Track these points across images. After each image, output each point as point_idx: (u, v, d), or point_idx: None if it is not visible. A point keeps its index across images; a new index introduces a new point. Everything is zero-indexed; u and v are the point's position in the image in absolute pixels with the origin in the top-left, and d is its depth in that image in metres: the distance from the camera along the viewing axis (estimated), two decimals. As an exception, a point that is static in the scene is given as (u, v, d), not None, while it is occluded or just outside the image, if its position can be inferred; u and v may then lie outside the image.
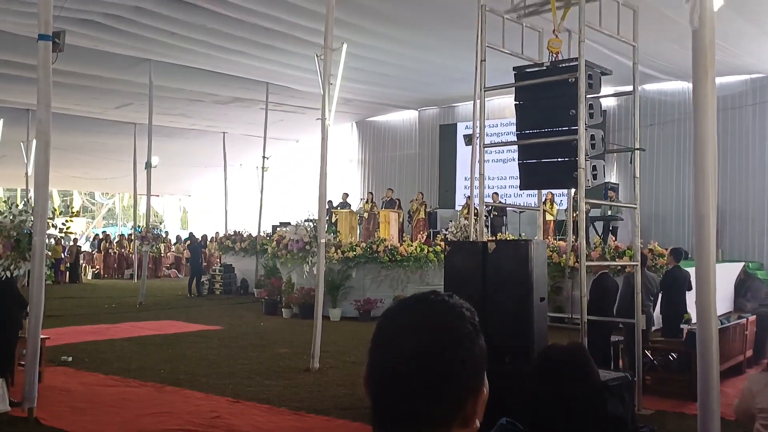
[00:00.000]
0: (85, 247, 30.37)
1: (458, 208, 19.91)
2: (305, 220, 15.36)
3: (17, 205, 8.44)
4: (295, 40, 15.12)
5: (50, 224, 7.61)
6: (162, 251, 28.28)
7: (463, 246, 8.63)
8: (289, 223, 16.68)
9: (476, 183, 8.43)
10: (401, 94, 21.62)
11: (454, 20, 13.49)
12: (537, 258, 6.74)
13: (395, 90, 20.99)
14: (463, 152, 21.11)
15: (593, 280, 8.74)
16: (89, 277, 27.34)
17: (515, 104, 7.94)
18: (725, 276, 15.36)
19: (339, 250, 14.52)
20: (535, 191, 9.34)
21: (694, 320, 8.22)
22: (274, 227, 19.89)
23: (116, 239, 30.14)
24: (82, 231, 33.33)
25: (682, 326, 9.46)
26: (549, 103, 7.56)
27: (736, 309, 15.15)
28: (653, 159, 18.06)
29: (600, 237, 15.49)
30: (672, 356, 8.65)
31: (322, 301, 9.80)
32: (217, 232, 25.44)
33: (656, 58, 14.69)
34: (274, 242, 15.81)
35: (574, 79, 7.14)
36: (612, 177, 18.53)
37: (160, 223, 31.96)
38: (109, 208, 42.77)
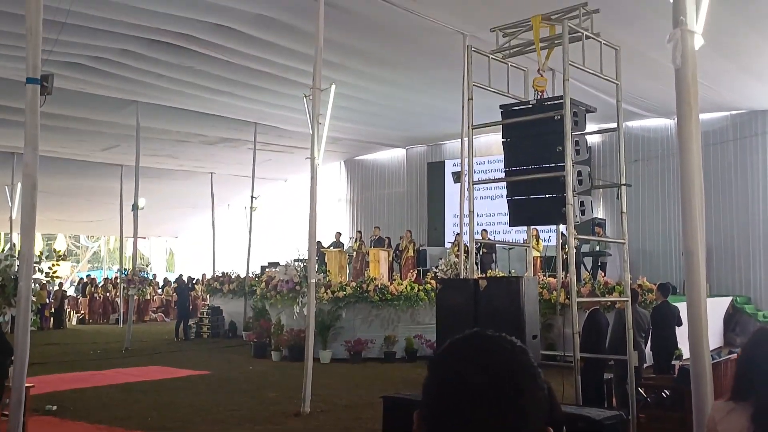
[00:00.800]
0: (70, 291, 29.97)
1: (447, 245, 19.91)
2: (295, 260, 15.29)
3: (2, 250, 8.33)
4: (284, 80, 15.28)
5: (36, 269, 7.51)
6: (148, 294, 27.96)
7: (453, 283, 8.61)
8: (278, 263, 16.57)
9: (465, 220, 8.47)
10: (389, 132, 21.81)
11: (440, 61, 13.71)
12: (528, 295, 6.73)
13: (383, 129, 21.18)
14: (451, 190, 21.22)
15: (585, 317, 8.71)
16: (74, 322, 26.90)
17: (503, 141, 8.02)
18: (714, 311, 15.42)
19: (329, 290, 14.41)
20: (524, 227, 9.38)
21: (685, 356, 8.19)
22: (263, 268, 19.75)
23: (101, 283, 29.76)
24: (66, 275, 32.93)
25: (673, 362, 9.42)
26: (536, 140, 7.65)
27: (726, 343, 15.18)
28: (638, 194, 18.22)
29: (589, 273, 15.53)
30: (665, 393, 8.57)
31: (312, 342, 9.68)
32: (203, 274, 25.23)
33: (639, 96, 14.97)
34: (263, 283, 15.68)
35: (559, 117, 7.24)
36: (599, 213, 18.66)
37: (147, 266, 31.64)
38: (94, 251, 42.39)
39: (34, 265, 7.13)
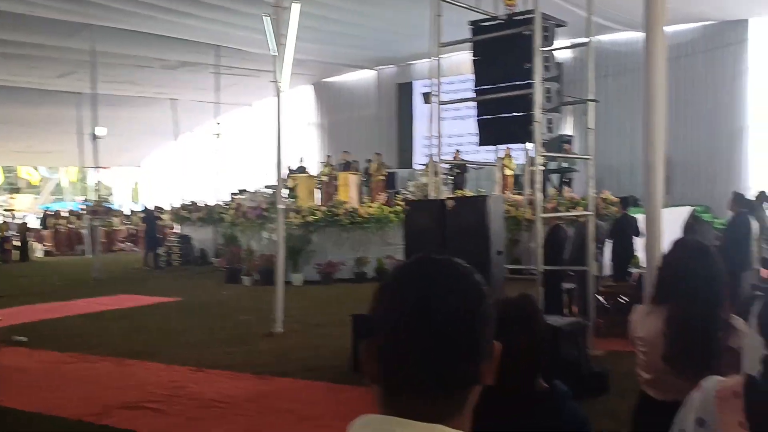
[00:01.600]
0: (33, 224, 29.46)
1: (416, 167, 19.89)
2: (265, 187, 15.15)
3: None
4: (244, -1, 14.67)
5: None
6: (114, 225, 27.64)
7: (421, 205, 8.63)
8: (246, 190, 16.43)
9: (435, 141, 8.40)
10: (358, 53, 21.27)
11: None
12: (494, 213, 6.81)
13: (351, 49, 20.62)
14: (421, 111, 21.03)
15: (547, 232, 8.87)
16: (40, 254, 26.59)
17: (473, 60, 7.86)
18: (674, 220, 15.73)
19: (299, 215, 14.38)
20: (495, 146, 9.37)
21: (642, 263, 8.44)
22: (233, 195, 19.57)
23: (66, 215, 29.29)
24: (28, 208, 32.30)
25: (630, 269, 9.71)
26: (505, 58, 7.52)
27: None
28: (607, 110, 18.15)
29: (556, 189, 15.69)
30: (622, 299, 8.90)
31: (283, 266, 9.71)
32: (171, 203, 24.93)
33: (611, 8, 14.70)
34: (233, 210, 15.57)
35: (529, 32, 7.10)
36: (567, 129, 18.68)
37: (110, 196, 31.15)
38: (56, 183, 41.50)
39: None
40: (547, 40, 7.18)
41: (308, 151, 22.81)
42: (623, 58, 17.88)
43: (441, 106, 8.40)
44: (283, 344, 8.61)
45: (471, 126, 8.29)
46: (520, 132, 7.55)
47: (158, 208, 24.03)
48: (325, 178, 18.20)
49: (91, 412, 6.01)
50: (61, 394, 6.70)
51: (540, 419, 1.83)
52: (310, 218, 14.34)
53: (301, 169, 19.43)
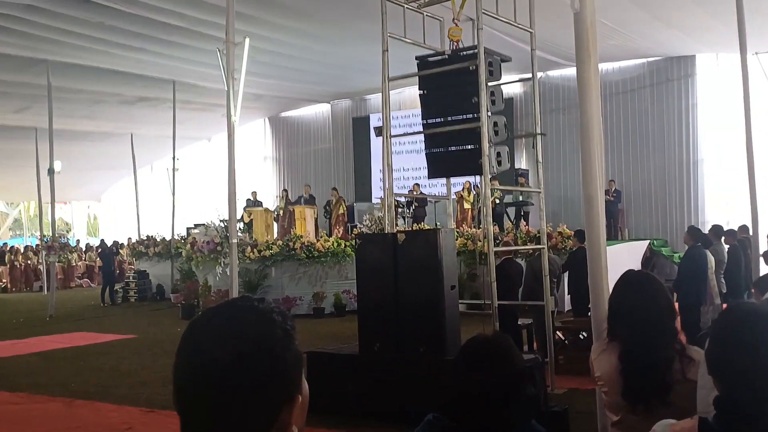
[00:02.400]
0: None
1: (375, 201, 19.91)
2: (220, 221, 15.00)
3: None
4: (198, 35, 14.70)
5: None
6: (72, 260, 27.07)
7: (373, 239, 8.62)
8: (203, 225, 16.26)
9: (387, 174, 8.43)
10: (312, 88, 21.40)
11: (357, 11, 13.43)
12: (446, 246, 6.79)
13: (306, 84, 20.76)
14: (376, 144, 21.14)
15: (497, 265, 8.91)
16: (-6, 291, 25.87)
17: (419, 93, 7.96)
18: (632, 254, 15.98)
19: (255, 249, 14.25)
20: (452, 180, 9.44)
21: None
22: (189, 229, 19.35)
23: (22, 251, 28.63)
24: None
25: (590, 305, 9.73)
26: (452, 92, 7.62)
27: (644, 285, 15.85)
28: (560, 143, 18.55)
29: (512, 222, 15.84)
30: (582, 335, 8.89)
31: (236, 302, 9.55)
32: (129, 238, 24.55)
33: (556, 44, 15.08)
34: (188, 245, 15.37)
35: (474, 67, 7.21)
36: (522, 163, 18.98)
37: (68, 232, 30.55)
38: (15, 218, 40.61)
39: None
40: (493, 74, 7.30)
41: (265, 184, 22.69)
42: (572, 92, 18.17)
43: (397, 139, 8.47)
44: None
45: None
46: (470, 165, 7.61)
47: (116, 243, 23.63)
48: (281, 212, 18.12)
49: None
50: (2, 439, 6.48)
51: None
52: (267, 252, 14.21)
53: (255, 203, 19.33)
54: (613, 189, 16.72)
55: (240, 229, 15.75)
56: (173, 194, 19.90)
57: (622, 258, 12.79)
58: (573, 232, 10.93)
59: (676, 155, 17.85)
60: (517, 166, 17.63)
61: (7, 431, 6.71)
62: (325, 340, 10.73)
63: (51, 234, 19.02)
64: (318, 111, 24.47)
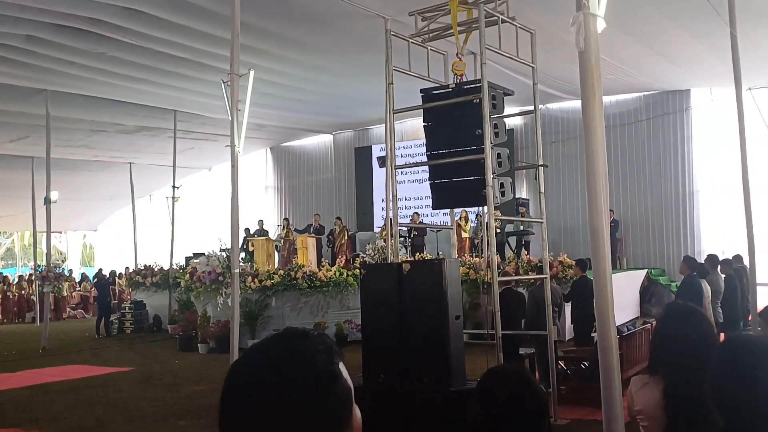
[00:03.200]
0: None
1: (377, 230, 19.97)
2: (220, 250, 14.99)
3: None
4: (202, 66, 14.84)
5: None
6: (66, 291, 26.84)
7: (378, 268, 8.63)
8: (203, 254, 16.23)
9: (391, 204, 8.49)
10: (315, 118, 21.58)
11: (363, 45, 13.62)
12: (451, 276, 6.80)
13: (308, 115, 20.93)
14: (378, 174, 21.26)
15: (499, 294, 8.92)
16: (-13, 322, 25.58)
17: (424, 125, 8.06)
18: (631, 283, 16.08)
19: (256, 279, 14.21)
20: (452, 210, 9.51)
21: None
22: (188, 259, 19.29)
23: (15, 281, 28.38)
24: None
25: (593, 334, 9.74)
26: (456, 124, 7.72)
27: (642, 314, 15.88)
28: (559, 174, 18.74)
29: (514, 252, 15.89)
30: (584, 365, 8.88)
31: (237, 332, 9.50)
32: (127, 267, 24.44)
33: (556, 78, 15.32)
34: (188, 275, 15.31)
35: (478, 100, 7.32)
36: (522, 193, 19.13)
37: (63, 262, 30.39)
38: (7, 247, 40.39)
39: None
40: (496, 107, 7.41)
41: (266, 214, 22.72)
42: (571, 124, 18.57)
43: (399, 169, 8.55)
44: (238, 416, 8.36)
45: (427, 189, 8.45)
46: (474, 195, 7.68)
47: (113, 273, 23.49)
48: (282, 242, 18.13)
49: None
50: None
51: None
52: (268, 282, 14.17)
53: (262, 233, 19.35)
54: (611, 219, 16.84)
55: (242, 258, 15.73)
56: (172, 224, 19.87)
57: (622, 287, 12.85)
58: (574, 262, 10.97)
59: (672, 186, 18.06)
60: (517, 195, 17.77)
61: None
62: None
63: (46, 264, 18.92)
64: (320, 141, 24.65)
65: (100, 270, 23.32)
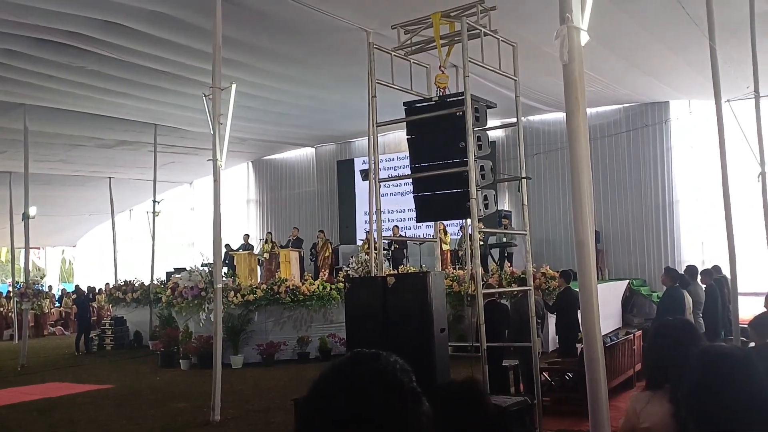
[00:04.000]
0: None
1: (359, 243, 19.94)
2: (202, 265, 14.85)
3: None
4: (183, 79, 14.77)
5: None
6: (46, 308, 26.43)
7: (362, 282, 8.59)
8: (184, 269, 16.07)
9: (375, 217, 8.47)
10: (297, 131, 21.55)
11: (345, 58, 13.66)
12: (435, 289, 6.79)
13: (290, 128, 20.90)
14: (361, 187, 21.25)
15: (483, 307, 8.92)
16: (-36, 340, 25.09)
17: (407, 138, 8.06)
18: (613, 294, 16.18)
19: (238, 294, 14.09)
20: (434, 222, 9.50)
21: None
22: (169, 274, 19.09)
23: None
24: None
25: (577, 345, 9.76)
26: (439, 137, 7.72)
27: (625, 324, 15.98)
28: (542, 186, 18.86)
29: (497, 264, 15.92)
30: (568, 376, 8.89)
31: (220, 348, 9.41)
32: (107, 283, 24.14)
33: (538, 91, 15.46)
34: (169, 290, 15.15)
35: (461, 113, 7.33)
36: (505, 205, 19.22)
37: (42, 278, 29.97)
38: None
39: None
40: (479, 120, 7.42)
41: (249, 228, 22.59)
42: (553, 136, 18.74)
43: (382, 182, 8.54)
44: (221, 433, 8.26)
45: (410, 202, 8.46)
46: (457, 208, 7.68)
47: (91, 290, 23.19)
48: (266, 256, 18.02)
49: None
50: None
51: None
52: (251, 297, 14.06)
53: (247, 247, 19.24)
54: (592, 230, 16.97)
55: (224, 273, 15.59)
56: (153, 239, 19.69)
57: (604, 297, 12.91)
58: (558, 273, 11.01)
59: (652, 197, 18.25)
60: (500, 208, 17.84)
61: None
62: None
63: (24, 280, 18.62)
64: (302, 154, 24.62)
65: (78, 286, 22.98)
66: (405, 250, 17.77)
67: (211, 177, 9.82)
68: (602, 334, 8.60)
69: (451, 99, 7.69)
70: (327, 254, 18.02)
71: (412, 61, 8.43)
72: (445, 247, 16.65)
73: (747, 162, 10.52)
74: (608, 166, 18.63)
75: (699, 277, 10.77)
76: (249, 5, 11.23)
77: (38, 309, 24.48)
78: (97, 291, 24.11)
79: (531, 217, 8.45)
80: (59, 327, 27.02)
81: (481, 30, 7.58)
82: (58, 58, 13.61)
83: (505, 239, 16.38)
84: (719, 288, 10.90)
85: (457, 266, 15.77)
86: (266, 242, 19.10)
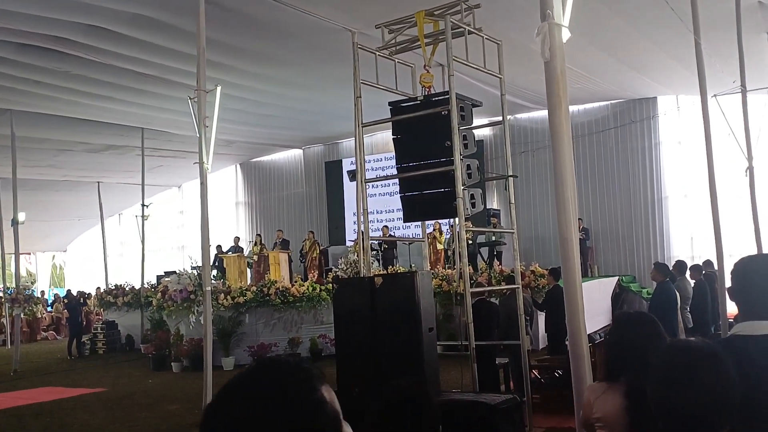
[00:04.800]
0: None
1: (349, 244, 19.93)
2: (192, 268, 14.82)
3: None
4: (168, 83, 14.71)
5: None
6: (38, 313, 26.33)
7: (350, 282, 8.59)
8: (174, 272, 16.03)
9: (362, 218, 8.47)
10: (284, 133, 21.51)
11: (330, 58, 13.62)
12: (423, 289, 6.80)
13: (277, 129, 20.86)
14: (349, 188, 21.24)
15: (472, 305, 8.93)
16: (-46, 347, 24.93)
17: (393, 138, 8.06)
18: (602, 291, 16.15)
19: (228, 296, 14.06)
20: (424, 222, 9.51)
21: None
22: (159, 277, 19.04)
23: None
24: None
25: (566, 342, 9.76)
26: (425, 136, 7.74)
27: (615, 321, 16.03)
28: (529, 184, 18.88)
29: (486, 262, 15.94)
30: (557, 373, 8.91)
31: (211, 350, 9.36)
32: (98, 288, 24.06)
33: (524, 88, 15.47)
34: (159, 293, 15.11)
35: (446, 112, 7.34)
36: (493, 203, 19.24)
37: (33, 283, 29.84)
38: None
39: None
40: (465, 119, 7.44)
41: (238, 231, 22.55)
42: (540, 134, 18.74)
43: (369, 182, 8.55)
44: (212, 435, 8.23)
45: (398, 202, 8.47)
46: (444, 207, 7.70)
47: (82, 294, 23.11)
48: (255, 258, 17.99)
49: None
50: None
51: None
52: (240, 299, 14.03)
53: (237, 249, 19.20)
54: (581, 227, 17.00)
55: (213, 276, 15.56)
56: (143, 242, 19.63)
57: (594, 294, 12.93)
58: (548, 270, 11.04)
59: (641, 193, 18.26)
60: (489, 206, 17.85)
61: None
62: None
63: (15, 286, 18.56)
64: (290, 156, 24.58)
65: (69, 291, 22.91)
66: (395, 250, 17.77)
67: (199, 180, 9.78)
68: (591, 331, 8.65)
69: (436, 98, 7.71)
70: (315, 255, 18.00)
71: (396, 60, 8.44)
72: (440, 246, 16.67)
73: (735, 157, 10.56)
74: (596, 162, 18.66)
75: (688, 272, 10.82)
76: (232, 7, 11.19)
77: (30, 314, 24.37)
78: (86, 295, 24.00)
79: (519, 215, 8.50)
80: (51, 332, 26.93)
81: (465, 28, 7.59)
82: (43, 63, 13.53)
83: (493, 238, 16.40)
84: (709, 283, 10.92)
85: (448, 265, 15.80)
86: (255, 244, 19.08)
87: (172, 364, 14.33)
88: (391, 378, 6.46)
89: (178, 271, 15.30)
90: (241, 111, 17.00)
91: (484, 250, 16.83)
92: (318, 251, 18.52)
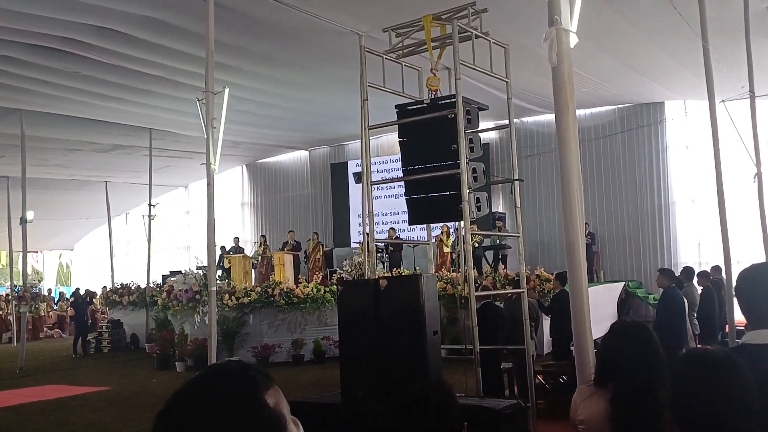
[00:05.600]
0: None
1: (354, 245, 19.93)
2: (197, 268, 14.87)
3: None
4: (177, 84, 14.79)
5: None
6: (43, 311, 26.49)
7: (355, 284, 8.60)
8: (180, 272, 16.09)
9: (368, 220, 8.48)
10: (290, 135, 21.57)
11: (337, 61, 13.66)
12: (428, 292, 6.78)
13: (284, 131, 20.92)
14: (355, 190, 21.24)
15: (477, 309, 8.92)
16: (-38, 344, 25.08)
17: (399, 141, 8.07)
18: (609, 295, 16.13)
19: (233, 297, 14.10)
20: (431, 225, 9.50)
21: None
22: (164, 277, 19.11)
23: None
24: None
25: (571, 347, 9.74)
26: (431, 139, 7.73)
27: (621, 327, 15.94)
28: (535, 188, 18.85)
29: (491, 266, 15.92)
30: (562, 378, 8.86)
31: (215, 350, 9.40)
32: (104, 287, 24.18)
33: (530, 92, 15.46)
34: (164, 293, 15.16)
35: (453, 115, 7.35)
36: (499, 207, 19.21)
37: (40, 281, 30.02)
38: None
39: None
40: (471, 122, 7.44)
41: (243, 231, 22.60)
42: (546, 137, 18.70)
43: (375, 185, 8.55)
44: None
45: (404, 204, 8.48)
46: (450, 211, 7.69)
47: (89, 292, 23.24)
48: (259, 258, 18.02)
49: None
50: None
51: None
52: (245, 300, 14.06)
53: (237, 250, 19.22)
54: (587, 232, 16.95)
55: (218, 276, 15.60)
56: (149, 242, 19.70)
57: (599, 300, 12.89)
58: (554, 275, 11.02)
59: (648, 198, 18.18)
60: (494, 210, 17.82)
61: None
62: (306, 388, 10.58)
63: (23, 284, 18.66)
64: (296, 157, 24.63)
65: (77, 289, 23.02)
66: (401, 253, 17.77)
67: (206, 181, 9.82)
68: (597, 336, 8.61)
69: (442, 101, 7.70)
70: (318, 256, 18.00)
71: (403, 63, 8.45)
72: (447, 249, 16.66)
73: (743, 162, 10.51)
74: (603, 167, 18.61)
75: (696, 278, 10.76)
76: (241, 10, 11.25)
77: (35, 312, 24.52)
78: (92, 294, 24.11)
79: (525, 218, 8.49)
80: (57, 330, 27.07)
81: (472, 32, 7.59)
82: (53, 64, 13.64)
83: (499, 241, 16.38)
84: (717, 289, 10.85)
85: (453, 269, 15.78)
86: (260, 245, 19.11)
87: (177, 363, 14.37)
88: (394, 381, 6.49)
89: (183, 271, 15.35)
90: (247, 112, 17.06)
91: (489, 254, 16.80)
92: (321, 252, 18.53)
